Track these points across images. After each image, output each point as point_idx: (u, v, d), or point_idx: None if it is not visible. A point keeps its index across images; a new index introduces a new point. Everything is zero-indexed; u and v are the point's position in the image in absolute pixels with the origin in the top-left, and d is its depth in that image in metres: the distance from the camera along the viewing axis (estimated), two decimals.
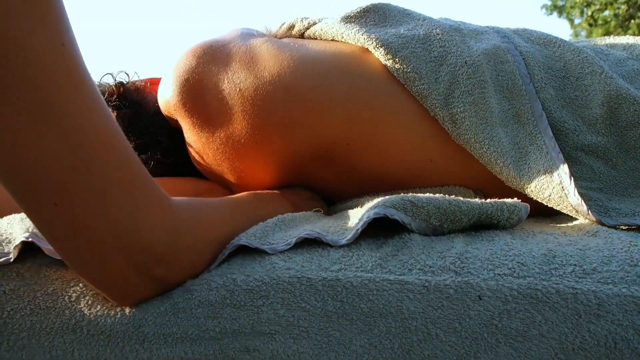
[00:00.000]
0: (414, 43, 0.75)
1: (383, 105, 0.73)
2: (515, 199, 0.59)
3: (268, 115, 0.70)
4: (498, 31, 0.81)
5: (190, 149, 0.76)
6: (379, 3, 0.81)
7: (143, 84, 0.87)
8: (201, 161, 0.76)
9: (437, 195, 0.54)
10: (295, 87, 0.71)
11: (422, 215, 0.52)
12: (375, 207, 0.51)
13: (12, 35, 0.34)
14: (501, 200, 0.57)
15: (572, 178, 0.63)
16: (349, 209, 0.69)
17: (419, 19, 0.80)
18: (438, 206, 0.52)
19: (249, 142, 0.71)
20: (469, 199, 0.55)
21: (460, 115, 0.69)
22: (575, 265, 0.49)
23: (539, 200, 0.65)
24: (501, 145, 0.68)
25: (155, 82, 0.88)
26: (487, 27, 0.83)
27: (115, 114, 0.80)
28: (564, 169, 0.64)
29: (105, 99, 0.82)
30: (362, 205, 0.67)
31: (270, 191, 0.71)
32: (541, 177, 0.65)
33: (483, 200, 0.56)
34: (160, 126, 0.82)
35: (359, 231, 0.50)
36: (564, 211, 0.63)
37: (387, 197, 0.53)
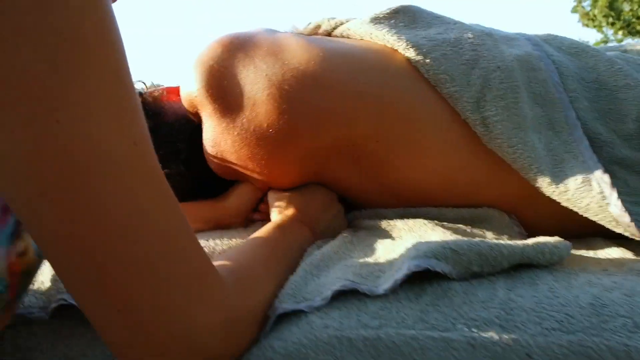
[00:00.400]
0: (445, 46, 0.70)
1: (413, 105, 0.69)
2: (557, 237, 0.55)
3: (295, 101, 0.66)
4: (529, 38, 0.76)
5: (207, 139, 0.72)
6: (409, 5, 0.76)
7: (160, 93, 0.82)
8: (216, 150, 0.71)
9: (476, 240, 0.51)
10: (324, 78, 0.67)
11: (463, 262, 0.48)
12: (415, 256, 0.47)
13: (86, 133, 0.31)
14: (543, 241, 0.53)
15: (613, 187, 0.59)
16: (377, 231, 0.65)
17: (449, 23, 0.75)
18: (480, 253, 0.49)
19: (273, 128, 0.66)
20: (510, 243, 0.51)
21: (493, 119, 0.65)
22: (625, 317, 0.45)
23: (576, 209, 0.61)
24: (535, 151, 0.64)
25: (172, 91, 0.83)
26: (518, 33, 0.78)
27: None
28: (604, 178, 0.60)
29: None
30: (391, 232, 0.64)
31: (287, 217, 0.67)
32: (579, 186, 0.61)
33: (524, 241, 0.53)
34: (180, 132, 0.78)
35: (398, 282, 0.46)
36: (602, 222, 0.60)
37: (426, 242, 0.50)
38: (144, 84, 0.83)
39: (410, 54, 0.69)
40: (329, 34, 0.79)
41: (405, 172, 0.71)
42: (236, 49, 0.70)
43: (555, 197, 0.62)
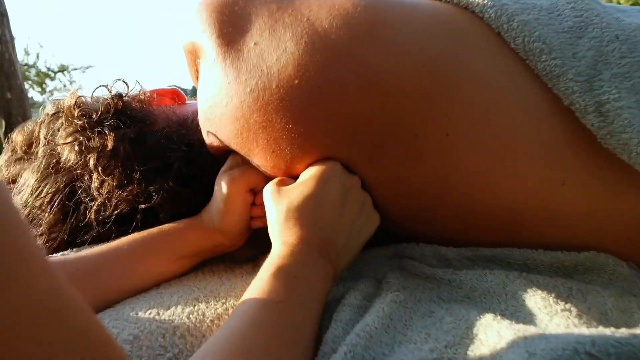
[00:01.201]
0: (536, 10, 0.49)
1: (497, 83, 0.47)
2: None
3: (342, 54, 0.47)
4: None
5: (203, 99, 0.52)
6: None
7: (148, 96, 0.63)
8: (212, 114, 0.51)
9: (625, 334, 0.28)
10: (383, 30, 0.48)
11: None
12: None
13: None
14: None
15: None
16: (437, 286, 0.43)
17: None
18: (632, 357, 0.27)
19: (309, 87, 0.47)
20: None
21: (614, 105, 0.44)
22: None
23: None
24: None
25: (163, 93, 0.64)
26: (622, 5, 0.56)
27: (114, 135, 0.55)
28: None
29: (100, 117, 0.57)
30: (460, 291, 0.42)
31: (293, 246, 0.44)
32: None
33: None
34: (172, 141, 0.58)
35: None
36: None
37: (542, 335, 0.28)
38: (126, 83, 0.63)
39: (490, 15, 0.48)
40: None
41: (482, 182, 0.48)
42: None
43: None
